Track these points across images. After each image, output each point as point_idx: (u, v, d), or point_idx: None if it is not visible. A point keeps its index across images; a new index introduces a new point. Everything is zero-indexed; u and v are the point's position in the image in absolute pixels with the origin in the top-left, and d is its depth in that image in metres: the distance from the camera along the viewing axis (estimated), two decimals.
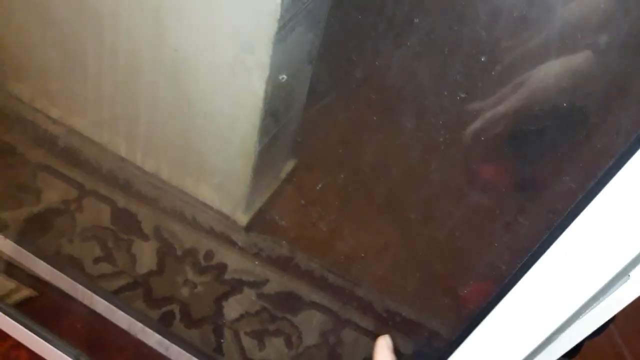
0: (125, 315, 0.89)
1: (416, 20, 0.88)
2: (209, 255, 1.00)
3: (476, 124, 0.90)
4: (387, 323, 0.97)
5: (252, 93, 0.82)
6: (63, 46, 0.95)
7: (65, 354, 0.84)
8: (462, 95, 0.95)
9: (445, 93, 0.95)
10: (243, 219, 1.02)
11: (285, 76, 0.81)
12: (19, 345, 0.87)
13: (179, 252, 0.99)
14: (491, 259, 0.98)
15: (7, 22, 0.99)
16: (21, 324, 0.85)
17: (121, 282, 0.94)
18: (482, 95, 0.93)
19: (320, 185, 1.12)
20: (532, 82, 0.87)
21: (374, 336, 0.96)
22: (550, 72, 0.79)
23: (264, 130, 0.89)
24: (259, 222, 1.04)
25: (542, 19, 0.73)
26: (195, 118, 0.91)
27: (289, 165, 1.10)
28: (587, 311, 0.38)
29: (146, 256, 0.98)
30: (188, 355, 0.86)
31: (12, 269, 0.94)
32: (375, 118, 1.10)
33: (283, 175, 1.09)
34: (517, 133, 1.09)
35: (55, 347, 0.84)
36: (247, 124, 0.87)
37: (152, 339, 0.88)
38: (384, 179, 1.13)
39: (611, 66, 0.72)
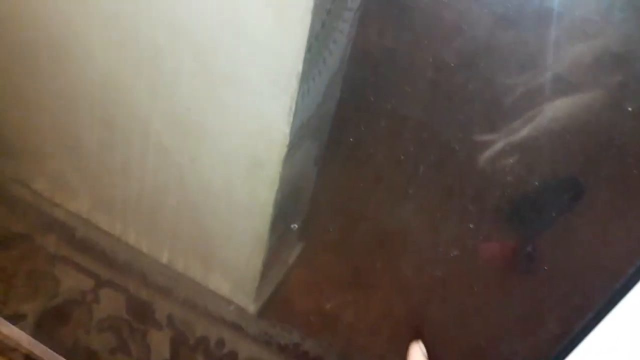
0: None
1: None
2: (220, 343, 1.03)
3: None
4: None
5: (262, 201, 0.86)
6: (82, 144, 1.00)
7: None
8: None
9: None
10: (253, 307, 1.06)
11: (296, 225, 0.85)
12: None
13: (191, 341, 1.02)
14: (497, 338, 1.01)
15: (28, 114, 1.04)
16: None
17: None
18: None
19: (328, 265, 1.15)
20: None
21: None
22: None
23: (274, 229, 0.92)
24: (269, 309, 1.07)
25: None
26: (207, 217, 0.95)
27: (297, 249, 1.13)
28: None
29: (160, 345, 1.01)
30: None
31: None
32: (377, 200, 1.15)
33: (291, 260, 1.13)
34: (518, 206, 1.12)
35: None
36: (258, 225, 0.91)
37: None
38: (389, 258, 1.16)
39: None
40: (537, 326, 0.98)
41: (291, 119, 0.71)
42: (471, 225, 1.12)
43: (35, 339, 0.98)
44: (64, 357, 0.96)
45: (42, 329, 0.99)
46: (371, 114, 1.01)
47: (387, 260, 1.16)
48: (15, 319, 1.00)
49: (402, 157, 1.07)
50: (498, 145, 1.01)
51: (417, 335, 1.12)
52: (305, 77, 0.70)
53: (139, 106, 0.86)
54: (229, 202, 0.90)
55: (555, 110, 0.88)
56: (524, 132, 0.95)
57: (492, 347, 1.08)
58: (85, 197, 1.10)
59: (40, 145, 1.07)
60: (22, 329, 0.99)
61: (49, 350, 0.97)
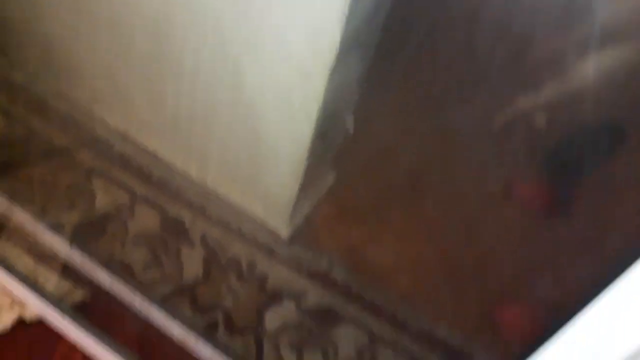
0: (175, 323, 0.93)
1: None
2: (251, 265, 1.04)
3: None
4: (422, 342, 1.00)
5: (305, 117, 0.84)
6: (123, 53, 0.99)
7: (118, 357, 0.89)
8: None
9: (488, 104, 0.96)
10: (286, 231, 1.06)
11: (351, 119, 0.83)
12: (74, 348, 0.92)
13: (223, 261, 1.03)
14: (537, 282, 0.99)
15: (67, 28, 1.04)
16: (77, 325, 0.90)
17: (169, 288, 0.99)
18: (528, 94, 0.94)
19: (360, 196, 1.14)
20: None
21: (410, 356, 0.99)
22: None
23: (313, 150, 0.91)
24: (301, 235, 1.07)
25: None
26: (248, 134, 0.94)
27: (331, 179, 1.12)
28: None
29: (193, 263, 1.02)
30: None
31: (68, 270, 0.99)
32: (416, 131, 1.12)
33: (325, 187, 1.12)
34: (559, 150, 1.09)
35: (108, 350, 0.89)
36: (298, 144, 0.89)
37: (202, 349, 0.92)
38: (423, 194, 1.14)
39: None
40: (562, 272, 0.97)
41: (342, 24, 0.68)
42: (508, 166, 1.09)
43: (73, 248, 1.00)
44: (100, 266, 0.98)
45: (79, 240, 1.01)
46: (421, 35, 0.98)
47: (420, 196, 1.14)
48: (54, 228, 1.02)
49: (446, 87, 1.04)
50: (544, 90, 0.97)
51: (443, 274, 1.11)
52: None
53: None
54: (271, 117, 0.89)
55: (601, 60, 0.85)
56: (570, 78, 0.92)
57: (517, 288, 1.07)
58: (124, 112, 1.10)
59: (82, 60, 1.07)
60: (60, 238, 1.01)
61: (86, 259, 0.99)
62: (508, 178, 1.13)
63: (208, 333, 0.95)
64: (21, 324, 0.93)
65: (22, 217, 1.03)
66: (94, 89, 1.11)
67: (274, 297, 1.01)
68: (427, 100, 1.11)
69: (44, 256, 1.00)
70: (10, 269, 0.95)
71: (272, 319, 0.99)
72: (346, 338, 0.98)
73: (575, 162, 1.07)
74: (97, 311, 0.95)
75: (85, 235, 1.02)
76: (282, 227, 1.07)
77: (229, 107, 0.93)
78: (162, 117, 1.04)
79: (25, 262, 0.98)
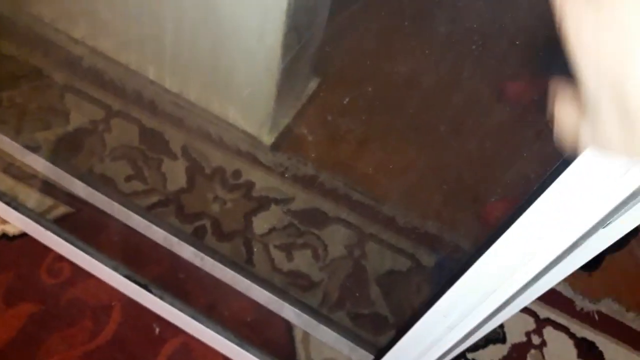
0: (160, 229, 0.93)
1: None
2: (236, 173, 1.02)
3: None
4: (409, 236, 1.00)
5: (275, 5, 0.81)
6: None
7: (105, 265, 0.89)
8: None
9: None
10: (268, 138, 1.04)
11: None
12: (61, 258, 0.92)
13: (207, 171, 1.02)
14: (513, 177, 0.99)
15: None
16: (62, 238, 0.89)
17: (153, 199, 0.98)
18: None
19: (344, 101, 1.12)
20: None
21: (397, 250, 1.00)
22: None
23: (287, 45, 0.88)
24: (284, 142, 1.06)
25: None
26: (218, 36, 0.91)
27: (313, 83, 1.10)
28: (609, 222, 0.39)
29: (176, 174, 1.01)
30: (221, 266, 0.90)
31: (49, 187, 0.97)
32: (400, 29, 1.09)
33: (307, 94, 1.09)
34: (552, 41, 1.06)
35: (95, 259, 0.89)
36: (270, 38, 0.86)
37: (187, 251, 0.92)
38: (408, 94, 1.12)
39: None
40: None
41: None
42: (496, 63, 1.07)
43: (52, 165, 0.98)
44: (80, 181, 0.96)
45: (57, 157, 0.99)
46: None
47: (403, 99, 1.12)
48: (31, 147, 0.99)
49: None
50: None
51: (429, 175, 1.11)
52: None
53: None
54: (239, 12, 0.85)
55: None
56: None
57: (508, 188, 1.07)
58: (90, 24, 1.05)
59: None
60: (38, 156, 0.99)
61: (66, 174, 0.97)
62: (498, 76, 1.11)
63: (196, 239, 0.94)
64: (5, 240, 0.92)
65: None
66: (59, 2, 1.06)
67: (261, 203, 1.00)
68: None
69: (22, 175, 0.98)
70: None
71: (260, 223, 0.98)
72: (335, 237, 0.98)
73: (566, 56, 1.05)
74: (81, 223, 0.94)
75: (63, 151, 1.00)
76: (264, 135, 1.05)
77: (196, 9, 0.89)
78: (129, 28, 1.00)
79: (3, 180, 0.96)
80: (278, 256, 0.96)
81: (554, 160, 0.39)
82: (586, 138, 0.28)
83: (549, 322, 0.97)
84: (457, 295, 0.53)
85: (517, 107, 1.13)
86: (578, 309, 0.99)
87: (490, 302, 0.52)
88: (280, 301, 0.88)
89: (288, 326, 0.91)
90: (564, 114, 0.29)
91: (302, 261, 0.96)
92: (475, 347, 0.94)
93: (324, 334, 0.90)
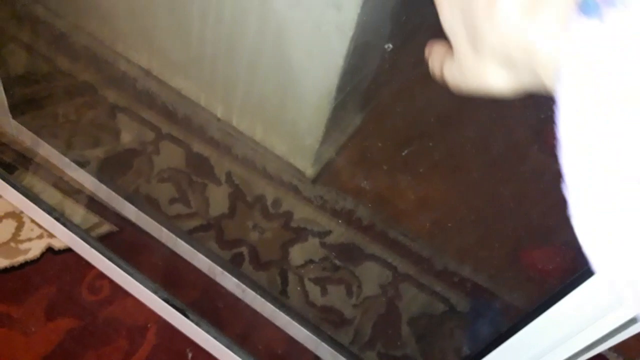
0: (201, 255, 0.94)
1: None
2: (276, 203, 1.04)
3: None
4: (445, 280, 1.00)
5: (335, 50, 0.83)
6: None
7: (144, 286, 0.90)
8: None
9: None
10: (311, 171, 1.05)
11: (390, 45, 0.81)
12: (102, 276, 0.94)
13: (248, 198, 1.03)
14: (558, 223, 0.99)
15: None
16: (104, 256, 0.91)
17: (195, 222, 0.99)
18: None
19: (387, 138, 1.13)
20: None
21: (432, 292, 1.00)
22: None
23: (341, 86, 0.90)
24: (326, 175, 1.07)
25: None
26: (274, 69, 0.92)
27: (358, 119, 1.11)
28: None
29: (218, 200, 1.03)
30: (262, 300, 0.91)
31: (95, 204, 1.00)
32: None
33: (351, 129, 1.10)
34: None
35: (136, 280, 0.90)
36: (326, 80, 0.88)
37: (229, 282, 0.93)
38: (452, 137, 1.13)
39: None
40: None
41: None
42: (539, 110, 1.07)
43: (99, 182, 1.00)
44: (126, 201, 0.98)
45: (105, 174, 1.02)
46: None
47: (448, 140, 1.12)
48: (80, 163, 1.02)
49: None
50: None
51: (468, 218, 1.11)
52: None
53: None
54: (298, 52, 0.87)
55: None
56: None
57: (542, 231, 1.07)
58: (147, 49, 1.08)
59: None
60: (86, 172, 1.01)
61: (112, 193, 0.99)
62: (540, 122, 1.11)
63: (233, 266, 0.95)
64: (51, 253, 0.94)
65: (48, 152, 1.03)
66: (116, 24, 1.09)
67: (299, 234, 1.01)
68: None
69: (70, 190, 1.01)
70: (38, 201, 0.96)
71: (297, 254, 0.99)
72: (370, 274, 0.99)
73: None
74: (124, 243, 0.96)
75: (111, 170, 1.03)
76: (307, 167, 1.06)
77: (255, 42, 0.91)
78: (185, 54, 1.03)
79: (52, 194, 0.99)
80: (312, 290, 0.96)
81: None
82: (450, 74, 0.31)
83: None
84: (512, 350, 0.53)
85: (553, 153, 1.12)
86: None
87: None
88: (317, 339, 0.89)
89: None
90: (435, 52, 0.33)
91: (335, 297, 0.97)
92: None
93: None
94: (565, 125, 0.23)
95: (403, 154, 0.99)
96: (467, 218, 1.13)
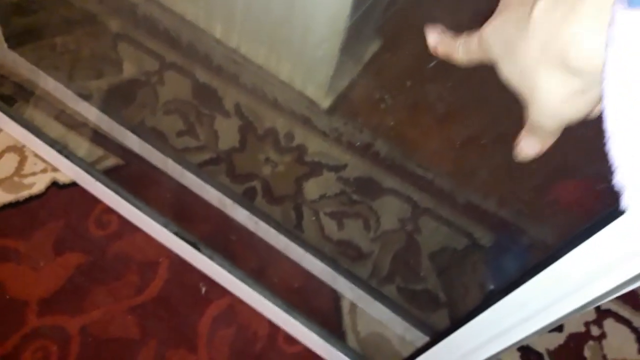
0: (213, 189, 0.90)
1: None
2: (289, 136, 0.99)
3: None
4: (467, 214, 0.95)
5: None
6: None
7: (154, 220, 0.87)
8: None
9: None
10: (325, 101, 0.99)
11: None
12: (109, 210, 0.90)
13: (260, 131, 0.98)
14: (586, 156, 0.93)
15: None
16: (111, 190, 0.88)
17: (205, 156, 0.95)
18: None
19: (406, 67, 1.06)
20: None
21: (452, 225, 0.95)
22: None
23: (356, 3, 0.83)
24: (341, 106, 1.01)
25: None
26: None
27: (374, 46, 1.04)
28: None
29: (228, 132, 0.98)
30: (275, 232, 0.87)
31: (99, 137, 0.95)
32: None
33: (367, 57, 1.03)
34: None
35: (145, 214, 0.87)
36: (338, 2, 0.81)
37: (241, 214, 0.89)
38: (473, 68, 1.06)
39: None
40: None
41: None
42: None
43: (103, 114, 0.96)
44: (132, 133, 0.94)
45: (109, 106, 0.97)
46: None
47: (470, 70, 1.06)
48: (82, 95, 0.97)
49: None
50: None
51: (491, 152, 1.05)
52: None
53: None
54: None
55: None
56: None
57: (581, 167, 1.01)
58: None
59: None
60: (89, 104, 0.96)
61: (117, 125, 0.94)
62: None
63: (246, 200, 0.91)
64: (56, 187, 0.91)
65: (49, 84, 0.98)
66: None
67: (314, 168, 0.97)
68: None
69: (73, 123, 0.96)
70: (40, 135, 0.91)
71: (312, 189, 0.95)
72: (388, 208, 0.94)
73: None
74: (131, 176, 0.92)
75: (115, 102, 0.98)
76: (321, 98, 1.00)
77: None
78: None
79: (55, 128, 0.95)
80: (329, 224, 0.92)
81: None
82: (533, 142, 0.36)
83: (610, 313, 0.92)
84: (542, 286, 0.49)
85: None
86: None
87: (577, 298, 0.48)
88: (334, 273, 0.86)
89: (336, 297, 0.88)
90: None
91: (353, 231, 0.93)
92: None
93: (375, 310, 0.87)
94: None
95: (429, 66, 0.92)
96: (491, 151, 1.07)
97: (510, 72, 0.31)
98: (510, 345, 0.57)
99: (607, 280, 0.44)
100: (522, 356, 0.88)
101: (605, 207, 0.43)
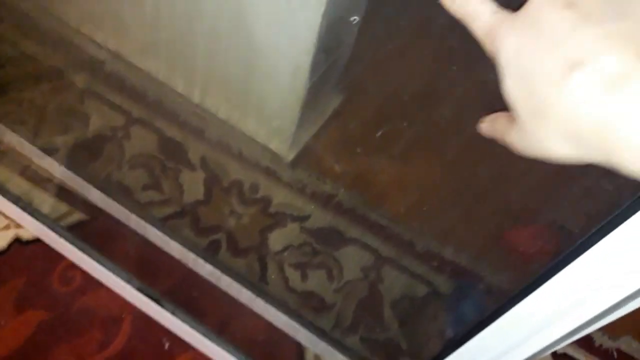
0: (176, 244, 0.91)
1: None
2: (254, 188, 1.01)
3: None
4: (427, 262, 0.98)
5: (306, 27, 0.79)
6: None
7: (117, 276, 0.87)
8: None
9: None
10: (288, 154, 1.02)
11: (357, 18, 0.78)
12: (73, 266, 0.91)
13: (225, 184, 1.00)
14: (537, 201, 0.97)
15: None
16: (75, 246, 0.88)
17: (169, 210, 0.96)
18: None
19: (366, 120, 1.10)
20: None
21: (413, 275, 0.98)
22: None
23: (315, 66, 0.87)
24: (304, 158, 1.04)
25: None
26: (245, 50, 0.89)
27: (335, 101, 1.08)
28: None
29: (193, 185, 0.99)
30: (237, 285, 0.89)
31: (64, 192, 0.96)
32: (427, 48, 1.07)
33: (329, 111, 1.08)
34: None
35: (108, 269, 0.87)
36: (299, 59, 0.85)
37: (203, 268, 0.90)
38: (431, 116, 1.11)
39: None
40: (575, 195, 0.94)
41: None
42: None
43: (68, 170, 0.97)
44: (97, 189, 0.95)
45: (74, 162, 0.98)
46: None
47: (428, 120, 1.10)
48: (48, 150, 0.98)
49: None
50: None
51: (450, 197, 1.09)
52: None
53: None
54: (269, 31, 0.84)
55: None
56: None
57: (526, 210, 1.05)
58: (114, 29, 1.04)
59: None
60: (55, 160, 0.97)
61: (82, 181, 0.95)
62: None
63: (210, 253, 0.93)
64: (19, 244, 0.91)
65: (14, 140, 0.99)
66: (83, 7, 1.05)
67: (278, 219, 0.99)
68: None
69: (38, 179, 0.97)
70: (4, 192, 0.92)
71: (276, 240, 0.97)
72: (351, 258, 0.97)
73: None
74: (95, 231, 0.93)
75: (81, 157, 0.99)
76: (285, 151, 1.03)
77: (225, 20, 0.88)
78: (154, 35, 0.99)
79: (19, 184, 0.95)
80: (292, 275, 0.94)
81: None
82: (512, 141, 0.31)
83: (566, 358, 0.95)
84: (497, 334, 0.51)
85: None
86: (597, 345, 0.97)
87: (524, 349, 0.50)
88: (296, 325, 0.87)
89: (300, 349, 0.89)
90: (497, 123, 0.34)
91: (316, 282, 0.95)
92: None
93: None
94: None
95: (377, 135, 0.96)
96: (449, 199, 1.11)
97: (516, 91, 0.27)
98: None
99: (562, 325, 0.47)
100: None
101: (555, 254, 0.46)
